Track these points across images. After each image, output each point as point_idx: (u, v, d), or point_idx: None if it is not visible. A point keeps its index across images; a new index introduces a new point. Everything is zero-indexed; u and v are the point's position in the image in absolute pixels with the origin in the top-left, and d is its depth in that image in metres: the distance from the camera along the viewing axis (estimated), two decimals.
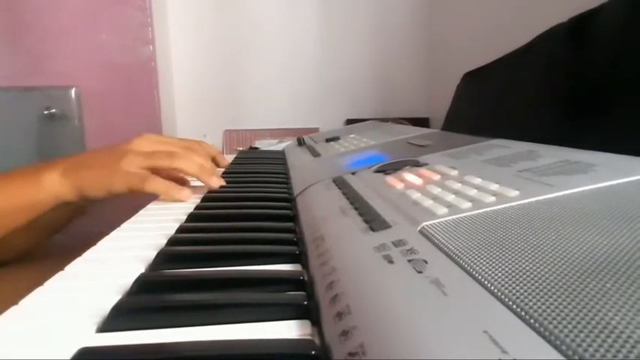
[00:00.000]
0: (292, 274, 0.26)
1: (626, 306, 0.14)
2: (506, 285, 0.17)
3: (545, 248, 0.19)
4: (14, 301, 0.23)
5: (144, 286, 0.25)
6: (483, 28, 1.30)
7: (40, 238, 0.53)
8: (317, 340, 0.19)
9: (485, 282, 0.17)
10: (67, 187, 0.46)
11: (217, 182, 0.49)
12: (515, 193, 0.27)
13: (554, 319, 0.14)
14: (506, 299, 0.16)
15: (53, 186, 0.46)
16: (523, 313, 0.15)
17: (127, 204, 0.46)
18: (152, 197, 0.49)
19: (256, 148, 1.25)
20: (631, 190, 0.25)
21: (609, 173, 0.28)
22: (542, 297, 0.15)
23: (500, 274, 0.18)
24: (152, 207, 0.46)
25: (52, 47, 1.30)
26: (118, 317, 0.21)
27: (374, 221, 0.28)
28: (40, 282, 0.25)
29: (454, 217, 0.25)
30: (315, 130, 1.61)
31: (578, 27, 0.67)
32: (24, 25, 1.28)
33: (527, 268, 0.18)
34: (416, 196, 0.31)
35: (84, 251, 0.31)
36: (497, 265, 0.19)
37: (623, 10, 0.59)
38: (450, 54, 1.57)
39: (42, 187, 0.46)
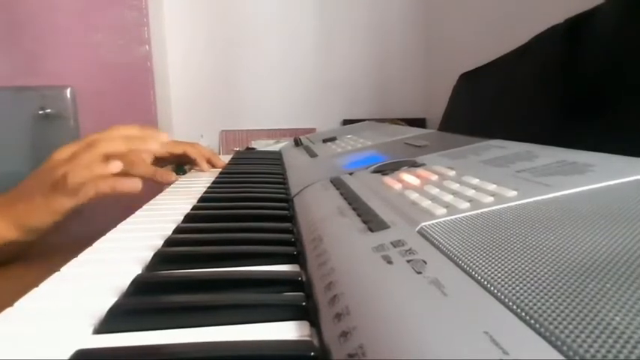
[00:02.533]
0: (290, 275, 0.26)
1: (626, 306, 0.14)
2: (506, 285, 0.17)
3: (545, 248, 0.19)
4: (9, 303, 0.23)
5: (141, 287, 0.24)
6: (479, 29, 1.31)
7: None
8: (316, 341, 0.19)
9: (485, 282, 0.17)
10: (4, 225, 0.43)
11: (154, 145, 0.46)
12: (513, 193, 0.27)
13: (554, 319, 0.14)
14: (506, 300, 0.16)
15: None
16: (523, 314, 0.15)
17: (124, 205, 0.45)
18: (150, 197, 0.49)
19: (253, 149, 1.25)
20: (628, 190, 0.25)
21: (606, 174, 0.28)
22: (542, 297, 0.15)
23: (499, 275, 0.18)
24: (149, 207, 0.45)
25: (47, 47, 1.29)
26: (115, 319, 0.21)
27: (372, 222, 0.28)
28: (35, 283, 0.25)
29: (453, 217, 0.25)
30: (312, 130, 1.61)
31: (574, 28, 0.67)
32: (19, 25, 1.27)
33: (527, 268, 0.18)
34: (414, 196, 0.31)
35: (80, 252, 0.31)
36: (496, 265, 0.18)
37: (620, 10, 0.59)
38: (446, 55, 1.57)
39: None
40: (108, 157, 0.44)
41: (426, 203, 0.29)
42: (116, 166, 0.43)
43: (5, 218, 0.43)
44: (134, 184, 0.43)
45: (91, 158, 0.43)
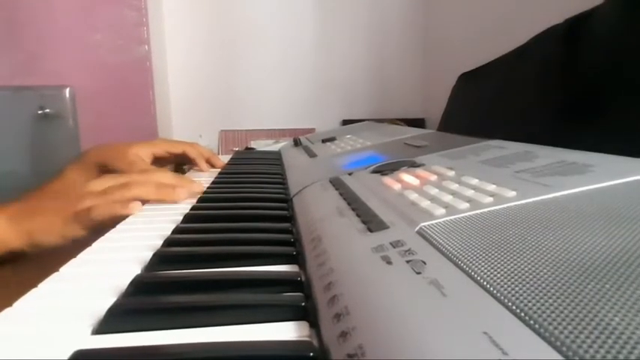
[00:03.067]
0: (289, 275, 0.26)
1: (625, 306, 0.14)
2: (505, 286, 0.17)
3: (544, 249, 0.19)
4: (8, 303, 0.23)
5: (140, 287, 0.24)
6: (479, 29, 1.31)
7: None
8: (315, 342, 0.19)
9: (484, 283, 0.17)
10: (15, 234, 0.43)
11: (181, 195, 0.47)
12: (512, 193, 0.27)
13: (553, 319, 0.14)
14: (506, 300, 0.16)
15: None
16: (522, 314, 0.15)
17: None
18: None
19: (252, 149, 1.25)
20: (628, 190, 0.25)
21: (606, 174, 0.28)
22: (541, 298, 0.15)
23: (499, 275, 0.18)
24: (148, 207, 0.45)
25: (46, 47, 1.29)
26: (114, 319, 0.21)
27: (371, 222, 0.28)
28: (34, 283, 0.25)
29: (452, 217, 0.25)
30: (311, 130, 1.61)
31: (573, 28, 0.67)
32: (18, 25, 1.27)
33: (526, 268, 0.18)
34: (413, 196, 0.31)
35: (79, 252, 0.31)
36: (495, 265, 0.18)
37: (619, 11, 0.59)
38: (445, 55, 1.57)
39: None
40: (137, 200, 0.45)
41: (425, 203, 0.29)
42: (137, 208, 0.44)
43: (18, 228, 0.43)
44: (133, 208, 0.44)
45: (119, 199, 0.44)
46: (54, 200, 0.46)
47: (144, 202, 0.46)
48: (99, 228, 0.43)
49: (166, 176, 0.50)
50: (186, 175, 0.68)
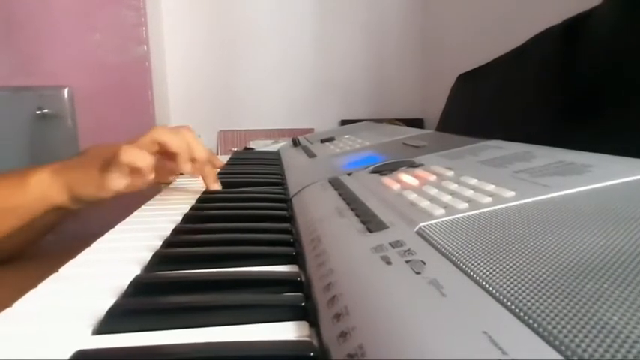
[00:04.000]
0: (289, 275, 0.26)
1: (623, 306, 0.14)
2: (505, 285, 0.17)
3: (543, 248, 0.19)
4: (9, 303, 0.23)
5: (140, 287, 0.24)
6: (477, 29, 1.31)
7: (31, 243, 0.51)
8: (315, 342, 0.19)
9: (484, 282, 0.17)
10: (57, 188, 0.44)
11: (189, 169, 0.47)
12: (511, 193, 0.27)
13: (552, 319, 0.14)
14: (505, 300, 0.16)
15: (42, 187, 0.44)
16: (522, 314, 0.15)
17: (122, 205, 0.45)
18: (148, 197, 0.49)
19: (251, 149, 1.24)
20: (626, 190, 0.26)
21: (604, 174, 0.28)
22: (540, 297, 0.16)
23: (498, 275, 0.18)
24: (147, 208, 0.45)
25: (44, 47, 1.29)
26: (114, 319, 0.21)
27: (371, 222, 0.28)
28: (34, 284, 0.25)
29: (451, 217, 0.25)
30: (310, 130, 1.61)
31: (571, 29, 0.68)
32: (16, 25, 1.27)
33: (525, 268, 0.18)
34: (412, 197, 0.31)
35: (78, 252, 0.31)
36: (495, 265, 0.19)
37: (616, 12, 0.59)
38: (444, 55, 1.57)
39: (30, 188, 0.44)
40: (162, 146, 0.46)
41: (424, 204, 0.29)
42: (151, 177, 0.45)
43: (60, 182, 0.45)
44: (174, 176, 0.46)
45: (146, 142, 0.45)
46: (89, 155, 0.47)
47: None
48: (133, 183, 0.44)
49: (198, 144, 0.50)
50: (185, 175, 0.68)
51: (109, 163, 0.43)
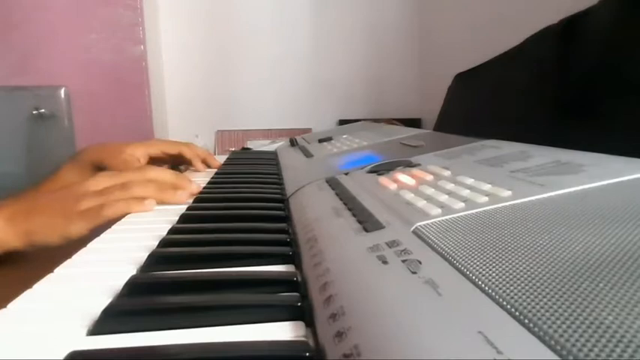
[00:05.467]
0: (285, 275, 0.26)
1: (619, 305, 0.14)
2: (501, 285, 0.17)
3: (539, 248, 0.19)
4: (3, 304, 0.23)
5: (135, 288, 0.24)
6: (475, 29, 1.31)
7: None
8: (311, 342, 0.19)
9: (480, 282, 0.17)
10: (13, 234, 0.42)
11: (182, 197, 0.46)
12: (507, 193, 0.27)
13: (548, 319, 0.14)
14: (501, 299, 0.16)
15: None
16: (517, 314, 0.15)
17: None
18: None
19: (248, 149, 1.24)
20: (622, 190, 0.26)
21: (600, 174, 0.28)
22: (536, 297, 0.15)
23: (494, 275, 0.18)
24: None
25: (41, 46, 1.28)
26: (109, 320, 0.21)
27: (367, 222, 0.28)
28: (28, 284, 0.25)
29: (447, 217, 0.25)
30: (308, 130, 1.61)
31: (568, 29, 0.68)
32: (13, 24, 1.26)
33: (521, 268, 0.18)
34: (409, 196, 0.31)
35: (74, 252, 0.31)
36: (491, 265, 0.19)
37: (613, 11, 0.59)
38: (441, 55, 1.58)
39: None
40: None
41: (421, 203, 0.29)
42: (151, 205, 0.44)
43: (16, 229, 0.42)
44: (149, 204, 0.45)
45: (122, 198, 0.44)
46: (52, 200, 0.45)
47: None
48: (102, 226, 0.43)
49: (165, 174, 0.49)
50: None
51: (73, 210, 0.42)
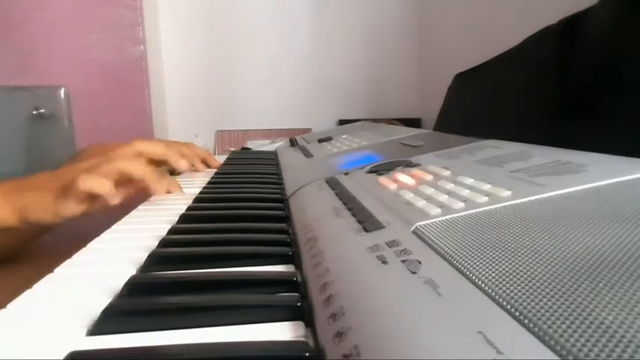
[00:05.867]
0: (285, 275, 0.26)
1: (619, 305, 0.14)
2: (501, 285, 0.17)
3: (539, 248, 0.19)
4: (2, 304, 0.23)
5: (135, 288, 0.24)
6: (474, 29, 1.31)
7: None
8: (311, 342, 0.19)
9: (480, 282, 0.17)
10: (8, 211, 0.42)
11: (162, 189, 0.46)
12: (507, 193, 0.27)
13: (548, 319, 0.14)
14: (501, 299, 0.16)
15: None
16: (517, 314, 0.15)
17: (118, 205, 0.45)
18: (145, 197, 0.49)
19: (248, 149, 1.24)
20: (622, 190, 0.26)
21: (600, 173, 0.28)
22: (536, 297, 0.15)
23: (494, 275, 0.18)
24: (143, 208, 0.45)
25: (41, 46, 1.28)
26: (109, 320, 0.21)
27: (367, 222, 0.28)
28: (28, 284, 0.25)
29: (447, 217, 0.25)
30: (308, 130, 1.61)
31: (567, 29, 0.68)
32: (12, 24, 1.26)
33: (521, 268, 0.18)
34: (409, 196, 0.31)
35: (74, 252, 0.31)
36: (491, 265, 0.19)
37: (613, 11, 0.59)
38: (441, 55, 1.58)
39: None
40: (124, 175, 0.44)
41: (420, 203, 0.29)
42: (126, 191, 0.43)
43: (10, 203, 0.43)
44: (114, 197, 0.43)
45: (108, 171, 0.43)
46: (46, 178, 0.45)
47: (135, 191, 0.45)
48: (91, 208, 0.42)
49: (155, 146, 0.49)
50: (182, 175, 0.68)
51: (65, 188, 0.42)
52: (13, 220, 0.43)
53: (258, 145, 1.37)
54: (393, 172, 0.40)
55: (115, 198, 0.42)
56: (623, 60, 0.55)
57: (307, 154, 0.71)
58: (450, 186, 0.31)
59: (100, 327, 0.21)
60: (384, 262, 0.21)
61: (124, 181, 0.44)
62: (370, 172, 0.43)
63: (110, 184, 0.42)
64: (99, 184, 0.41)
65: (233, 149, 1.49)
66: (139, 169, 0.45)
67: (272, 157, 0.81)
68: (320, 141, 0.80)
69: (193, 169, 0.71)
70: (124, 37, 1.33)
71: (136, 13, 1.33)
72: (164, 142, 0.70)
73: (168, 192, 0.50)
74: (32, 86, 1.27)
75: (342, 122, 1.64)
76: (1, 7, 1.26)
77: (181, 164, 0.46)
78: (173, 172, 0.68)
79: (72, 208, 0.42)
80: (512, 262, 0.18)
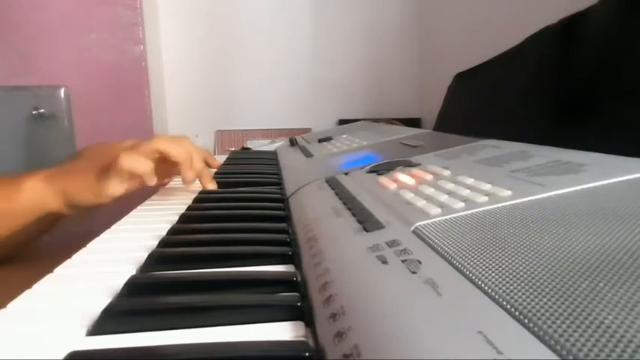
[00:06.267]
0: (285, 275, 0.26)
1: (619, 305, 0.14)
2: (500, 285, 0.17)
3: (539, 248, 0.19)
4: (2, 304, 0.23)
5: (135, 288, 0.24)
6: (474, 28, 1.31)
7: (24, 246, 0.49)
8: (311, 342, 0.19)
9: (479, 282, 0.17)
10: (52, 195, 0.43)
11: (192, 176, 0.47)
12: (507, 193, 0.27)
13: (547, 318, 0.14)
14: (501, 299, 0.16)
15: (36, 193, 0.43)
16: (517, 313, 0.15)
17: (118, 205, 0.45)
18: (145, 197, 0.49)
19: (248, 149, 1.24)
20: (622, 189, 0.26)
21: (600, 173, 0.28)
22: (535, 297, 0.15)
23: (493, 274, 0.18)
24: (143, 208, 0.45)
25: (40, 46, 1.28)
26: (109, 320, 0.21)
27: (367, 222, 0.28)
28: (28, 284, 0.25)
29: (447, 217, 0.25)
30: (308, 130, 1.61)
31: (567, 28, 0.68)
32: (12, 24, 1.26)
33: (521, 267, 0.18)
34: (409, 196, 0.31)
35: (73, 252, 0.31)
36: (490, 265, 0.19)
37: (613, 11, 0.59)
38: (441, 55, 1.58)
39: (24, 194, 0.43)
40: (162, 154, 0.45)
41: (420, 203, 0.29)
42: (162, 174, 0.45)
43: (55, 188, 0.43)
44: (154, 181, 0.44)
45: (147, 150, 0.44)
46: (83, 159, 0.46)
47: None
48: (133, 187, 0.44)
49: (194, 147, 0.50)
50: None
51: (107, 168, 0.42)
52: (58, 204, 0.44)
53: (258, 145, 1.37)
54: (393, 172, 0.40)
55: (152, 179, 0.43)
56: (623, 60, 0.55)
57: (307, 154, 0.71)
58: (450, 186, 0.31)
59: (100, 327, 0.21)
60: (384, 261, 0.21)
61: (160, 163, 0.45)
62: (370, 172, 0.43)
63: (150, 164, 0.43)
64: (140, 162, 0.42)
65: (233, 149, 1.49)
66: (177, 151, 0.46)
67: (272, 157, 0.81)
68: (320, 141, 0.80)
69: None
70: (123, 37, 1.33)
71: (135, 13, 1.33)
72: (180, 140, 0.70)
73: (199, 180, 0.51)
74: (32, 86, 1.27)
75: (342, 122, 1.64)
76: (1, 7, 1.26)
77: (188, 176, 0.47)
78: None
79: (115, 187, 0.43)
80: (512, 261, 0.18)
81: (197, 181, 0.52)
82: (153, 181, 0.43)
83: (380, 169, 0.42)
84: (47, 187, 0.44)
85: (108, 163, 0.42)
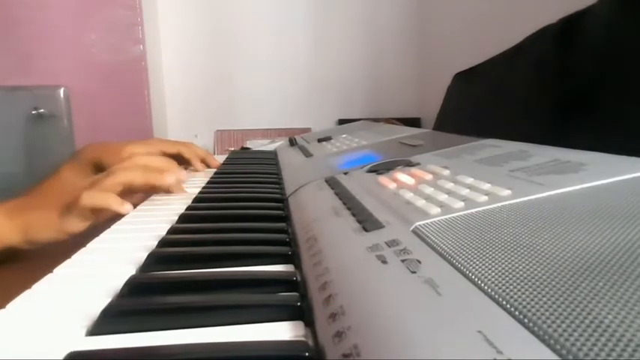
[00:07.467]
0: (285, 275, 0.26)
1: (619, 304, 0.14)
2: (500, 285, 0.17)
3: (538, 247, 0.19)
4: (2, 305, 0.23)
5: (134, 288, 0.24)
6: (474, 28, 1.31)
7: None
8: (310, 342, 0.19)
9: (479, 282, 0.17)
10: (11, 229, 0.42)
11: (171, 180, 0.47)
12: (507, 192, 0.27)
13: (547, 318, 0.14)
14: (500, 299, 0.16)
15: None
16: (517, 313, 0.15)
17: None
18: (144, 197, 0.49)
19: (248, 149, 1.24)
20: (621, 188, 0.26)
21: (600, 172, 0.28)
22: (535, 296, 0.15)
23: (493, 274, 0.18)
24: (143, 208, 0.45)
25: (40, 46, 1.28)
26: (108, 320, 0.21)
27: (367, 221, 0.28)
28: (27, 285, 0.25)
29: (447, 216, 0.25)
30: (307, 130, 1.61)
31: (567, 28, 0.68)
32: (12, 24, 1.26)
33: (521, 267, 0.18)
34: (408, 195, 0.31)
35: (73, 253, 0.31)
36: (490, 264, 0.19)
37: (612, 10, 0.59)
38: (441, 54, 1.58)
39: None
40: (126, 186, 0.45)
41: (420, 203, 0.29)
42: (128, 207, 0.43)
43: (13, 223, 0.43)
44: (126, 209, 0.43)
45: (109, 185, 0.43)
46: (48, 196, 0.46)
47: (135, 189, 0.46)
48: (96, 221, 0.43)
49: (153, 159, 0.49)
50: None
51: (68, 205, 0.42)
52: (17, 239, 0.43)
53: (257, 144, 1.37)
54: (392, 171, 0.40)
55: (122, 207, 0.42)
56: (622, 59, 0.55)
57: (307, 153, 0.71)
58: (449, 185, 0.31)
59: (100, 327, 0.21)
60: (384, 261, 0.21)
61: (128, 190, 0.45)
62: (370, 171, 0.43)
63: (114, 196, 0.42)
64: (102, 198, 0.42)
65: (232, 149, 1.49)
66: (139, 178, 0.45)
67: (272, 157, 0.81)
68: (320, 140, 0.80)
69: (193, 169, 0.71)
70: (123, 37, 1.33)
71: (135, 13, 1.33)
72: (164, 141, 0.70)
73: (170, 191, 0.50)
74: (32, 86, 1.27)
75: (341, 122, 1.64)
76: (1, 7, 1.26)
77: (165, 180, 0.47)
78: None
79: (76, 224, 0.42)
80: (512, 261, 0.18)
81: (196, 182, 0.53)
82: (125, 209, 0.42)
83: (379, 169, 0.42)
84: (6, 221, 0.43)
85: (71, 200, 0.42)
